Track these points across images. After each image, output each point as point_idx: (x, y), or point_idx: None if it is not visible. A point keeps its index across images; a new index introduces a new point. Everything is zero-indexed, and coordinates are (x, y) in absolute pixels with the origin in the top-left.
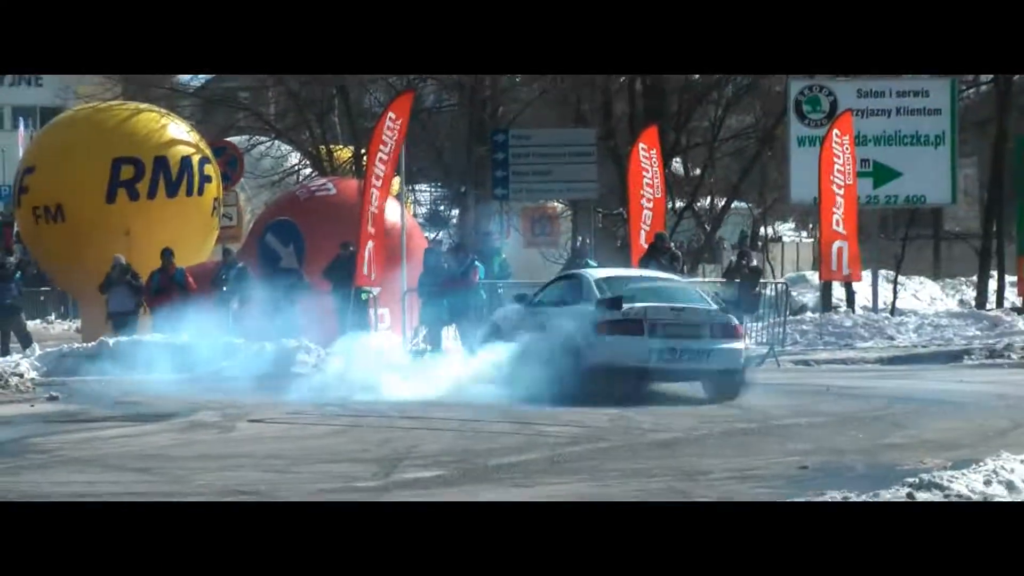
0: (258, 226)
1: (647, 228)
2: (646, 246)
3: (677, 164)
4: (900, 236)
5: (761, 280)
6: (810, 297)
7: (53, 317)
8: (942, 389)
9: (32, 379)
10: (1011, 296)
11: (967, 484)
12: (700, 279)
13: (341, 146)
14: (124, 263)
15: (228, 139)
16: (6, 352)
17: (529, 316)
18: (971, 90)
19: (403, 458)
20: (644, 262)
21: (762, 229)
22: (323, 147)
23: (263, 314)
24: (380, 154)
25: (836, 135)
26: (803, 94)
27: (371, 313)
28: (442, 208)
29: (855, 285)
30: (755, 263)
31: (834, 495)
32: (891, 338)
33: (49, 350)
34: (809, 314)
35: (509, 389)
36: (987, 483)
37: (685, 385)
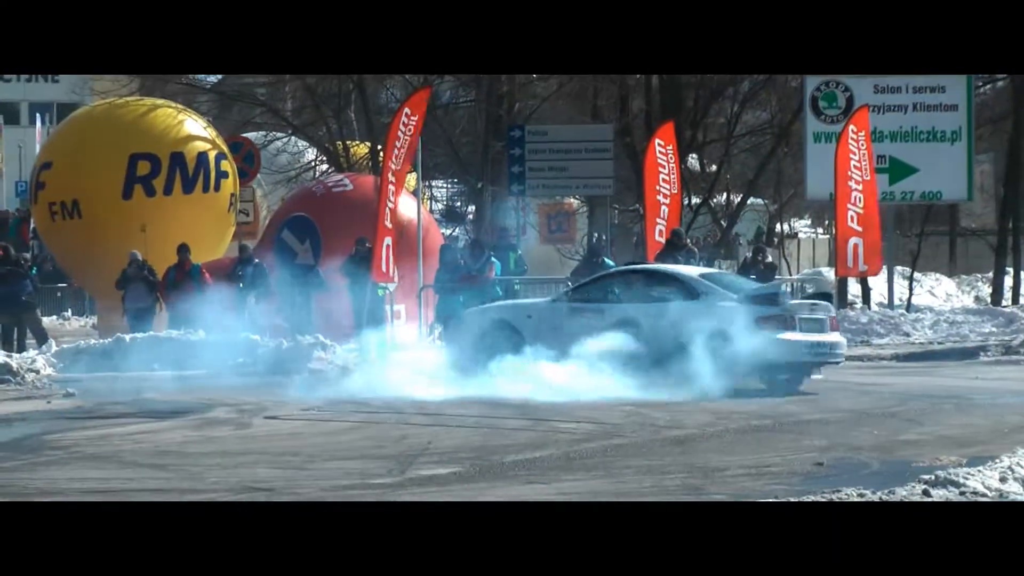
0: (274, 222)
1: (663, 224)
2: (662, 242)
3: (693, 160)
4: (916, 232)
5: (776, 276)
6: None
7: (69, 313)
8: (957, 385)
9: (48, 375)
10: None
11: (982, 481)
12: None
13: (358, 142)
14: (140, 259)
15: (245, 135)
16: (22, 348)
17: (586, 314)
18: (987, 86)
19: (419, 455)
20: (661, 258)
21: (778, 225)
22: (340, 143)
23: (279, 310)
24: (396, 150)
25: (852, 131)
26: (819, 90)
27: (387, 309)
28: (458, 204)
29: (871, 281)
30: (770, 259)
31: (849, 492)
32: (907, 334)
33: (65, 346)
34: None
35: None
36: (1003, 480)
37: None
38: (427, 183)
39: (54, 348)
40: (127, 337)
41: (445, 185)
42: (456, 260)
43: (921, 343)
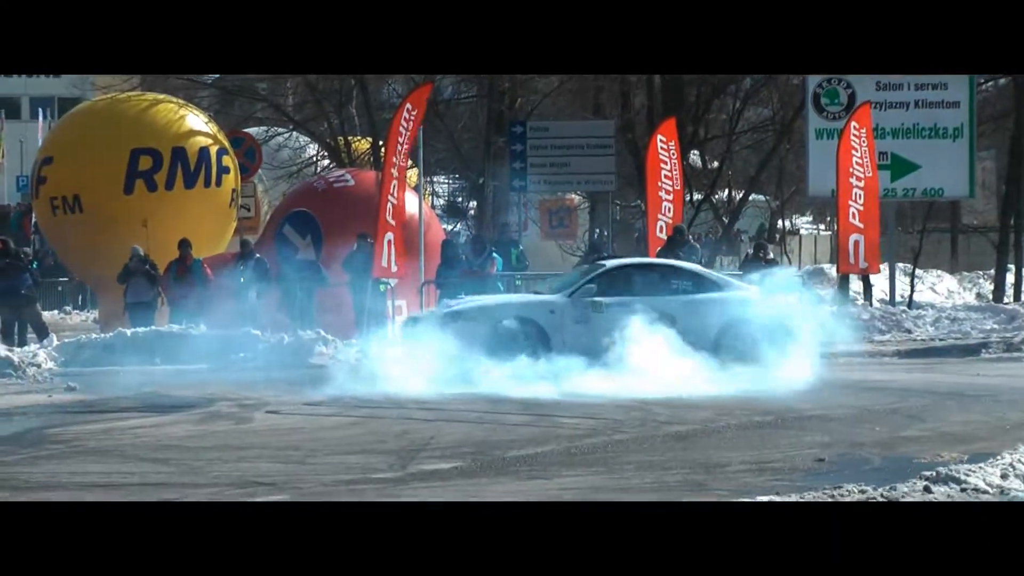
0: (276, 217)
1: (665, 220)
2: (664, 238)
3: (695, 156)
4: (918, 229)
5: None
6: (827, 290)
7: (71, 308)
8: (959, 382)
9: (50, 369)
10: None
11: (983, 477)
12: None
13: (359, 137)
14: (142, 254)
15: (246, 130)
16: (23, 343)
17: (615, 311)
18: (989, 83)
19: (421, 450)
20: (662, 254)
21: (780, 222)
22: (341, 138)
23: (281, 305)
24: (398, 145)
25: (854, 128)
26: (821, 87)
27: (388, 304)
28: (460, 200)
29: (872, 278)
30: (771, 255)
31: (851, 488)
32: (908, 331)
33: (67, 340)
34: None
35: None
36: (1004, 476)
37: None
38: (428, 179)
39: (55, 342)
40: (128, 331)
41: (447, 181)
42: (457, 256)
43: (923, 340)
